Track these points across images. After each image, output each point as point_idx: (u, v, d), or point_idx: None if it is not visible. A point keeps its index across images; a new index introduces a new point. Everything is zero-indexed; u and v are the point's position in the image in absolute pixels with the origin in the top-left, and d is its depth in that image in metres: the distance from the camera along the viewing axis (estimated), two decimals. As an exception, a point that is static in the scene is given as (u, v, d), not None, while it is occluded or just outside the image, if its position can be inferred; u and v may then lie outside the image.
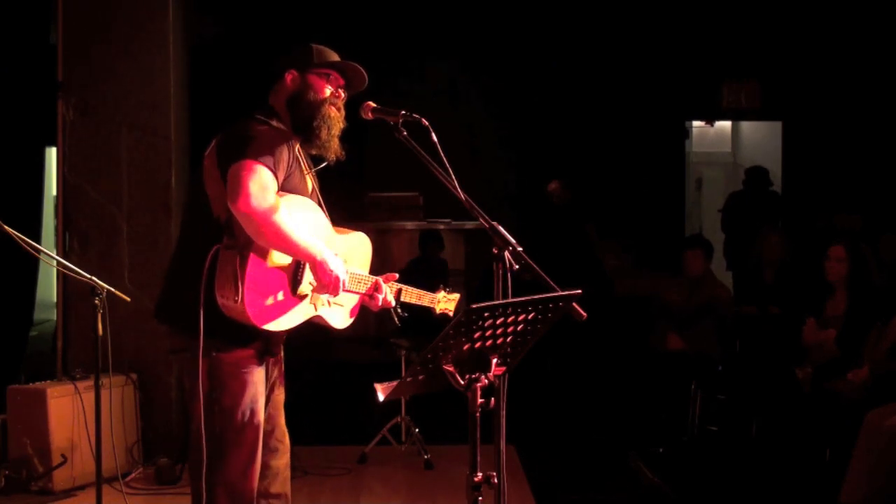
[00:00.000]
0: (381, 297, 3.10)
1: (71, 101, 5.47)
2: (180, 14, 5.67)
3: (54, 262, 4.06)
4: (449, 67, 9.39)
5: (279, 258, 2.84)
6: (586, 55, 9.30)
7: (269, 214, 2.71)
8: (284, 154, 2.87)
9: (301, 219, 2.88)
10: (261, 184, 2.74)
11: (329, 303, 3.00)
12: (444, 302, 3.32)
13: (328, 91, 3.05)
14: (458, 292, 3.34)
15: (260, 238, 2.75)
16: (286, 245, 2.77)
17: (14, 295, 6.21)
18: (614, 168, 9.44)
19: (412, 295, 3.22)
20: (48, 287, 8.76)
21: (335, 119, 3.03)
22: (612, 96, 9.36)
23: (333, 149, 3.05)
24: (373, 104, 2.81)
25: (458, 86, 9.29)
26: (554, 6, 9.19)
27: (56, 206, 5.66)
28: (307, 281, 2.91)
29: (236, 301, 2.76)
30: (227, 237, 2.80)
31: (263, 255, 2.80)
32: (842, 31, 9.02)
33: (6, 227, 3.54)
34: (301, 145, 3.05)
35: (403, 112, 2.75)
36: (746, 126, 12.23)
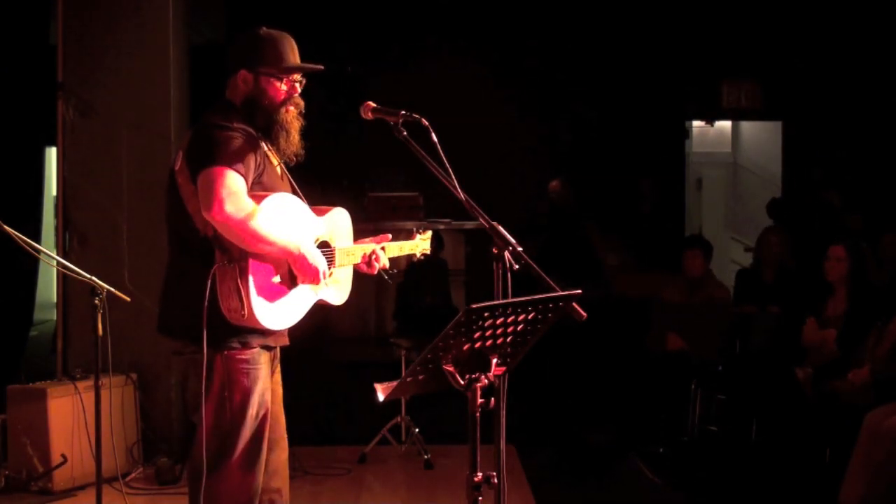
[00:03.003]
0: (377, 264, 3.14)
1: (71, 102, 5.47)
2: (180, 14, 5.67)
3: (54, 262, 4.07)
4: (449, 67, 9.38)
5: (272, 258, 2.85)
6: (586, 55, 9.29)
7: (243, 218, 2.71)
8: (251, 153, 2.86)
9: (285, 215, 2.89)
10: (231, 189, 2.73)
11: (325, 283, 3.01)
12: (423, 242, 3.37)
13: (283, 91, 3.00)
14: (429, 230, 3.41)
15: (239, 242, 2.75)
16: (264, 246, 2.78)
17: (14, 295, 6.21)
18: (614, 168, 9.43)
19: (394, 249, 3.25)
20: (48, 287, 8.77)
21: (292, 121, 3.00)
22: (612, 96, 9.35)
23: (293, 150, 3.03)
24: (373, 104, 2.80)
25: (459, 85, 9.28)
26: (554, 6, 9.18)
27: (56, 206, 5.66)
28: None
29: (244, 314, 2.78)
30: (220, 252, 2.80)
31: (260, 259, 2.81)
32: (842, 31, 9.01)
33: (6, 227, 3.54)
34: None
35: (403, 112, 2.74)
36: (746, 126, 12.23)
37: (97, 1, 5.49)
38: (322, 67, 3.04)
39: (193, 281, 2.83)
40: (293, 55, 3.04)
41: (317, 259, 2.88)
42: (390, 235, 3.22)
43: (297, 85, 3.04)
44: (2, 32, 6.10)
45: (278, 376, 3.18)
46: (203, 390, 2.87)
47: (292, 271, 2.90)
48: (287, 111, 3.00)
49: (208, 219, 2.73)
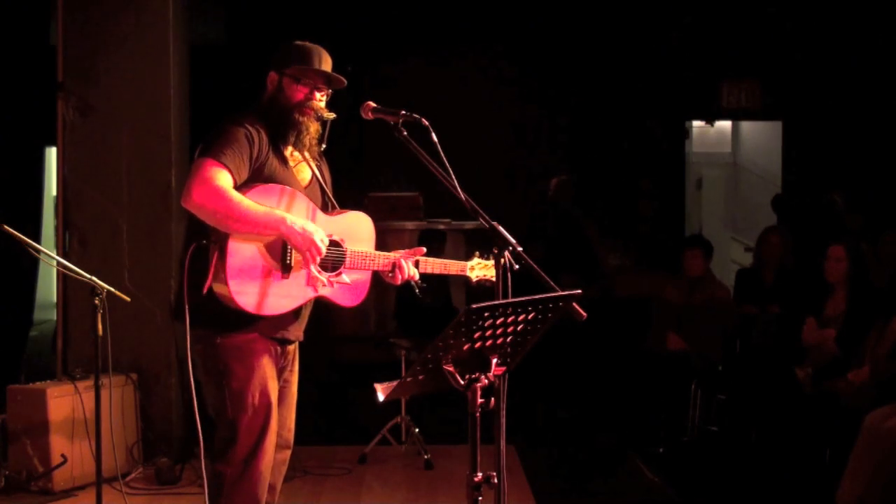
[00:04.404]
0: (401, 275, 3.13)
1: (71, 101, 5.47)
2: (180, 14, 5.67)
3: (54, 262, 4.07)
4: (449, 67, 9.38)
5: (259, 242, 2.87)
6: (586, 55, 9.30)
7: (215, 198, 2.78)
8: (246, 147, 2.90)
9: (278, 204, 2.92)
10: (206, 177, 2.80)
11: (332, 283, 3.01)
12: (480, 269, 3.29)
13: (302, 95, 3.06)
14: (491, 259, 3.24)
15: (220, 225, 2.81)
16: (247, 224, 2.81)
17: (14, 295, 6.21)
18: (614, 168, 9.44)
19: (436, 266, 3.21)
20: (48, 287, 8.76)
21: (306, 124, 3.04)
22: (613, 96, 9.36)
23: (304, 150, 3.08)
24: (373, 104, 2.81)
25: (458, 85, 9.28)
26: (554, 6, 9.18)
27: (56, 206, 5.66)
28: (294, 258, 2.95)
29: (227, 293, 2.82)
30: (213, 234, 2.86)
31: (241, 242, 2.84)
32: (842, 31, 9.01)
33: (6, 227, 3.54)
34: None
35: (403, 112, 2.75)
36: (746, 126, 12.22)
37: (97, 1, 5.49)
38: (344, 81, 3.10)
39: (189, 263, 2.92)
40: (319, 64, 3.09)
41: (308, 228, 2.87)
42: (424, 249, 3.20)
43: (318, 93, 3.08)
44: (2, 32, 6.10)
45: (293, 376, 3.19)
46: (190, 370, 2.93)
47: (285, 259, 2.91)
48: (302, 113, 3.04)
49: (185, 207, 2.83)
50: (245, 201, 2.81)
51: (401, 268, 3.12)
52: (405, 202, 8.35)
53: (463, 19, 9.13)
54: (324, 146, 3.13)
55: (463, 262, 3.26)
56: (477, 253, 3.29)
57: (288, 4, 8.50)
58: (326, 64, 3.11)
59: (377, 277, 3.20)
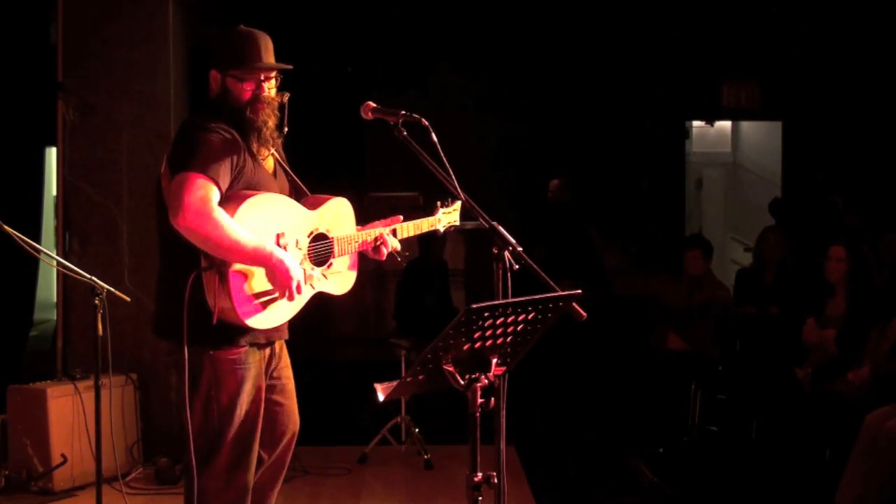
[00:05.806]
0: (386, 249, 3.12)
1: (71, 101, 5.47)
2: (180, 14, 5.68)
3: (54, 262, 4.06)
4: (449, 68, 9.38)
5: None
6: (586, 55, 9.30)
7: (209, 226, 2.69)
8: (228, 155, 2.82)
9: (268, 217, 2.85)
10: (198, 196, 2.70)
11: (325, 275, 3.00)
12: (445, 217, 3.30)
13: (249, 93, 2.95)
14: (457, 201, 3.27)
15: (207, 249, 2.73)
16: (233, 254, 2.74)
17: (14, 295, 6.21)
18: (614, 168, 9.44)
19: (409, 229, 3.21)
20: (48, 287, 8.77)
21: (263, 120, 2.94)
22: (613, 96, 9.36)
23: (268, 146, 3.00)
24: (373, 104, 2.80)
25: (458, 86, 9.28)
26: (554, 6, 9.18)
27: (56, 206, 5.66)
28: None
29: (236, 317, 2.78)
30: (204, 258, 2.78)
31: (241, 266, 2.78)
32: (842, 31, 9.01)
33: (6, 227, 3.54)
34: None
35: (403, 112, 2.74)
36: (746, 126, 12.22)
37: (97, 1, 5.50)
38: (290, 67, 3.00)
39: (179, 282, 2.82)
40: (262, 54, 2.98)
41: (292, 267, 2.81)
42: (402, 217, 3.19)
43: (266, 84, 2.97)
44: (2, 32, 6.10)
45: (287, 371, 3.15)
46: (187, 391, 2.86)
47: None
48: (255, 110, 2.94)
49: (175, 226, 2.72)
50: (236, 231, 2.71)
51: (386, 242, 3.11)
52: (405, 202, 8.35)
53: (463, 19, 9.13)
54: (286, 129, 3.02)
55: (432, 218, 3.27)
56: (438, 203, 3.29)
57: (288, 4, 8.51)
58: (267, 52, 2.98)
59: (364, 259, 3.17)
